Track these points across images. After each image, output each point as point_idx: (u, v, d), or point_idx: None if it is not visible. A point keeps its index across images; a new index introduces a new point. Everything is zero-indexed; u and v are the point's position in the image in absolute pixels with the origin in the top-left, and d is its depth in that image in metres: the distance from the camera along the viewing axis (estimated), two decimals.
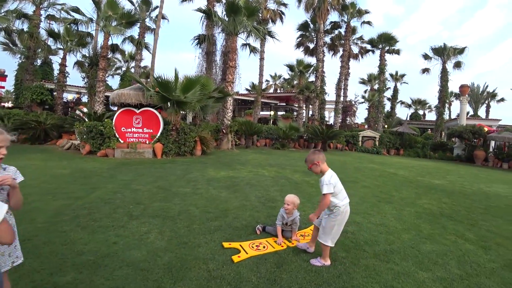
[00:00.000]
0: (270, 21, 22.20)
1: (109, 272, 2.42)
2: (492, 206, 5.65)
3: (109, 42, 13.52)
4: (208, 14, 13.72)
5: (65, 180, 5.75)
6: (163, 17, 19.02)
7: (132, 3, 18.22)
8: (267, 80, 39.79)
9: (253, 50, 15.57)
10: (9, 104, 21.32)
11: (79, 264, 2.53)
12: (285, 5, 23.02)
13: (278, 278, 2.42)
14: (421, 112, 36.09)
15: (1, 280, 1.27)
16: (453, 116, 32.20)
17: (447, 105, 28.09)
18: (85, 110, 12.88)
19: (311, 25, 22.30)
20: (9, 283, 1.84)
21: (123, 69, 27.95)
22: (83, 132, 9.70)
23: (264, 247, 2.95)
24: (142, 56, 19.39)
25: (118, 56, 27.02)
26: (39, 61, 20.11)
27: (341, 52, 22.98)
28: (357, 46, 24.58)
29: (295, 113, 23.89)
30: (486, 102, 34.10)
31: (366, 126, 25.61)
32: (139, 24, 17.53)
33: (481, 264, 2.96)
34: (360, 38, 24.01)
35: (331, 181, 2.62)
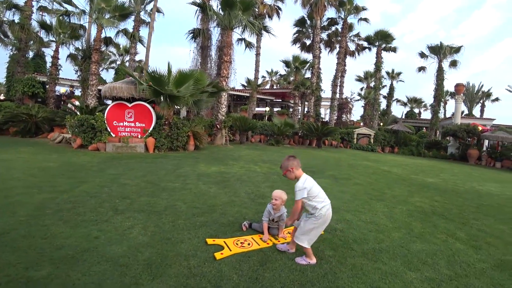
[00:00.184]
0: (266, 16, 22.04)
1: (86, 267, 2.35)
2: (484, 204, 5.65)
3: (102, 35, 13.32)
4: (203, 7, 13.54)
5: (53, 174, 5.64)
6: (158, 11, 18.77)
7: None
8: (263, 76, 39.69)
9: (248, 45, 15.44)
10: (1, 97, 20.99)
11: (57, 259, 2.45)
12: (282, 0, 22.85)
13: (261, 276, 2.35)
14: (416, 110, 36.30)
15: None
16: (448, 115, 32.34)
17: (442, 104, 28.27)
18: (77, 103, 12.70)
19: (308, 21, 22.18)
20: None
21: (118, 62, 27.62)
22: (74, 125, 9.56)
23: (249, 244, 2.88)
24: (137, 49, 19.09)
25: (113, 49, 26.72)
26: (31, 54, 19.80)
27: (337, 49, 22.93)
28: (354, 43, 24.55)
29: (291, 110, 23.83)
30: (481, 101, 34.33)
31: (361, 124, 25.64)
32: (133, 17, 17.27)
33: (471, 264, 2.91)
34: (357, 35, 23.96)
35: (304, 186, 2.63)
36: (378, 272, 2.57)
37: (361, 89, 30.71)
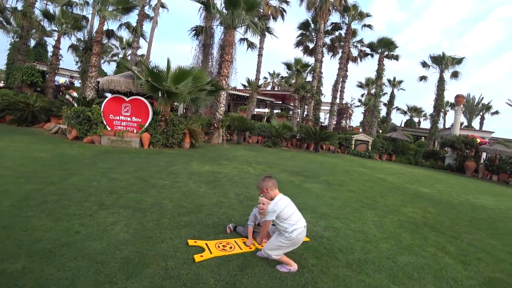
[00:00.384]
0: (271, 17, 22.05)
1: (62, 262, 2.31)
2: (477, 218, 5.60)
3: (105, 27, 13.21)
4: (207, 5, 13.51)
5: (43, 164, 5.60)
6: (163, 6, 18.75)
7: None
8: (265, 78, 39.66)
9: (250, 45, 15.41)
10: (0, 84, 20.90)
11: (34, 252, 2.42)
12: (287, 2, 22.88)
13: (238, 282, 2.30)
14: (416, 119, 36.28)
15: None
16: (447, 126, 32.37)
17: (442, 114, 28.27)
18: (74, 94, 12.62)
19: (312, 25, 22.16)
20: None
21: (120, 56, 27.57)
22: (70, 116, 9.49)
23: (231, 247, 2.84)
24: (139, 44, 19.09)
25: (116, 42, 26.65)
26: (33, 42, 19.73)
27: (340, 54, 22.90)
28: (357, 49, 24.55)
29: (290, 112, 23.81)
30: (481, 113, 34.37)
31: (360, 130, 25.63)
32: (138, 11, 17.22)
33: (458, 280, 2.84)
34: (360, 41, 23.95)
35: (274, 209, 2.62)
36: (361, 285, 2.51)
37: (362, 95, 30.73)
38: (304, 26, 22.58)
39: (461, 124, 24.33)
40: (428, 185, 9.32)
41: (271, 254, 2.60)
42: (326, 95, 25.47)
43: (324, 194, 5.78)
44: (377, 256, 3.15)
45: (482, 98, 33.61)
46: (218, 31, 15.16)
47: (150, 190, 4.56)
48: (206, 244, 2.83)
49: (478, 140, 18.08)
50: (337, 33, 23.68)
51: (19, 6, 15.26)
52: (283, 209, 2.63)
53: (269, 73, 40.08)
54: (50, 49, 18.34)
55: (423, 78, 23.74)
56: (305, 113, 22.52)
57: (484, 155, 18.56)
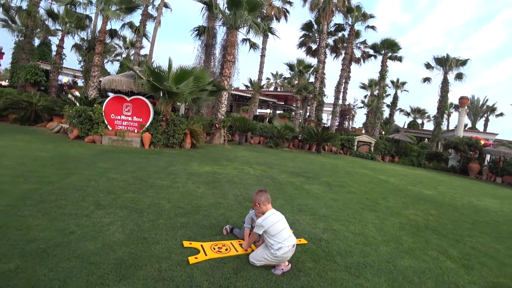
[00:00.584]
0: (274, 18, 21.96)
1: (55, 263, 2.29)
2: (480, 221, 5.50)
3: (108, 27, 13.29)
4: (209, 5, 13.51)
5: (43, 164, 5.60)
6: (166, 6, 18.78)
7: None
8: (268, 78, 39.62)
9: (253, 45, 15.39)
10: (5, 83, 21.05)
11: (28, 252, 2.40)
12: (290, 3, 22.79)
13: (232, 285, 2.26)
14: (419, 121, 36.06)
15: None
16: (451, 127, 32.13)
17: (445, 116, 28.02)
18: (77, 93, 12.67)
19: (315, 26, 22.09)
20: None
21: (124, 55, 27.67)
22: (71, 116, 9.52)
23: (226, 249, 2.79)
24: (142, 44, 19.13)
25: (120, 42, 26.78)
26: (38, 41, 19.87)
27: (343, 55, 22.81)
28: (360, 50, 24.44)
29: (293, 113, 23.74)
30: (485, 115, 34.05)
31: (363, 131, 25.51)
32: (141, 11, 17.30)
33: (460, 285, 2.76)
34: (363, 42, 23.86)
35: (262, 224, 2.62)
36: None
37: (365, 96, 30.56)
38: (307, 27, 22.52)
39: (465, 125, 24.10)
40: (430, 187, 9.23)
41: (255, 263, 2.60)
42: (329, 96, 25.41)
43: (324, 196, 5.73)
44: (377, 259, 3.07)
45: (487, 100, 33.31)
46: (221, 32, 15.25)
47: (148, 190, 4.54)
48: (202, 245, 2.79)
49: (482, 142, 17.92)
50: (340, 34, 23.61)
51: (24, 5, 15.39)
52: (272, 225, 2.61)
53: (272, 73, 40.06)
54: (54, 48, 18.47)
55: (426, 79, 23.59)
56: (308, 114, 22.44)
57: (488, 157, 18.41)
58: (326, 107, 26.18)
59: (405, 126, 33.24)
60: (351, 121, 24.89)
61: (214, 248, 2.77)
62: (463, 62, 21.33)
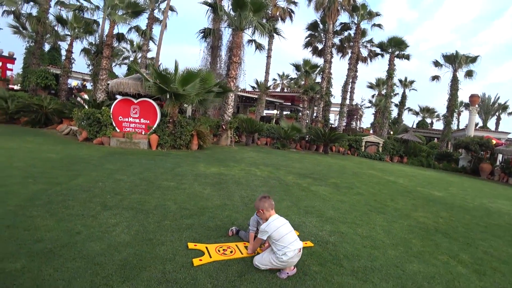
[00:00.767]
0: (279, 19, 21.95)
1: (61, 263, 2.31)
2: (493, 224, 5.32)
3: (115, 31, 13.46)
4: (214, 7, 13.57)
5: (52, 165, 5.69)
6: (172, 9, 18.93)
7: None
8: (274, 79, 39.58)
9: (258, 46, 15.39)
10: (18, 87, 21.58)
11: (34, 252, 2.43)
12: (295, 3, 22.74)
13: None
14: (428, 120, 35.46)
15: None
16: (461, 127, 31.51)
17: (455, 115, 27.57)
18: (85, 96, 12.87)
19: (321, 25, 21.97)
20: None
21: (131, 59, 28.01)
22: (80, 118, 9.69)
23: (231, 251, 2.77)
24: (149, 47, 19.34)
25: (127, 46, 27.13)
26: (48, 46, 20.32)
27: (349, 54, 22.58)
28: (366, 49, 24.14)
29: (300, 114, 23.65)
30: (497, 114, 33.33)
31: (371, 131, 25.23)
32: (148, 15, 17.49)
33: None
34: (370, 41, 23.56)
35: (266, 230, 2.62)
36: None
37: (372, 96, 30.24)
38: (312, 26, 22.41)
39: (476, 124, 23.63)
40: (440, 188, 9.03)
41: (260, 266, 2.57)
42: (336, 96, 25.20)
43: (332, 197, 5.66)
44: (385, 263, 2.99)
45: (498, 97, 32.63)
46: (226, 33, 15.22)
47: (154, 192, 4.56)
48: (206, 247, 2.78)
49: (494, 141, 17.48)
50: (346, 33, 23.37)
51: (34, 12, 15.77)
52: (275, 230, 2.60)
53: (278, 74, 40.03)
54: (64, 53, 18.85)
55: (435, 77, 23.17)
56: (315, 114, 22.32)
57: (500, 157, 17.95)
58: (333, 107, 25.98)
59: (414, 126, 32.65)
60: (358, 121, 24.65)
61: (219, 250, 2.75)
62: (473, 59, 20.88)
